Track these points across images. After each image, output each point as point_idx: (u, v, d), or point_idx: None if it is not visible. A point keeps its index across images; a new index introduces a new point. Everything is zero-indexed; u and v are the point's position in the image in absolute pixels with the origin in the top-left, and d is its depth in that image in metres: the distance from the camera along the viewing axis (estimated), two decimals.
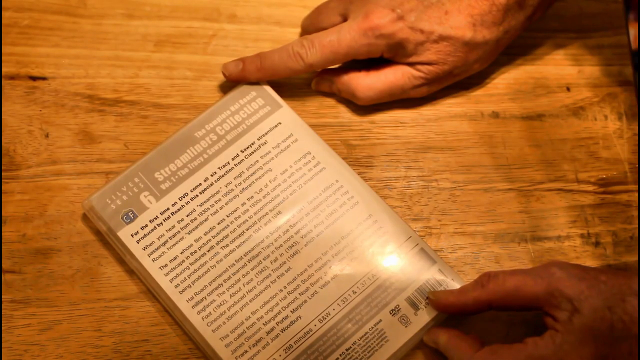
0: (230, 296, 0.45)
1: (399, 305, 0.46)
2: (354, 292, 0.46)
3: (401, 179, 0.51)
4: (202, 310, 0.45)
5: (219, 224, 0.47)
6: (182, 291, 0.45)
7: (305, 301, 0.45)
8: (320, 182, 0.48)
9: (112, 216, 0.47)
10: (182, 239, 0.46)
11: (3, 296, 0.46)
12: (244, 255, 0.46)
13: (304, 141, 0.49)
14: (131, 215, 0.47)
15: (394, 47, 0.49)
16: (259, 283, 0.46)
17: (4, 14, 0.53)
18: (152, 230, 0.46)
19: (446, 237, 0.50)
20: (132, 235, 0.46)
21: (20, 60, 0.52)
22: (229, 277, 0.46)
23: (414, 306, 0.46)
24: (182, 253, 0.46)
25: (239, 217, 0.47)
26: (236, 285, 0.45)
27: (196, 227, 0.47)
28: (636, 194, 0.51)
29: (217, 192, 0.48)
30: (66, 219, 0.48)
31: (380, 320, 0.45)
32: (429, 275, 0.46)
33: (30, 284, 0.46)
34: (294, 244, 0.47)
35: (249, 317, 0.45)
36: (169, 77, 0.53)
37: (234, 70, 0.50)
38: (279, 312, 0.45)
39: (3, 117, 0.51)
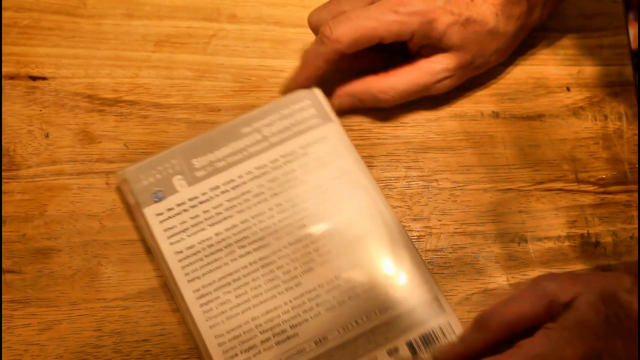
0: (235, 297, 0.45)
1: (398, 347, 0.44)
2: (357, 323, 0.45)
3: (401, 179, 0.51)
4: (204, 304, 0.45)
5: (242, 223, 0.46)
6: (191, 281, 0.45)
7: (307, 320, 0.45)
8: (351, 206, 0.47)
9: (142, 192, 0.47)
10: (203, 229, 0.46)
11: (3, 296, 0.46)
12: (259, 259, 0.46)
13: (345, 160, 0.48)
14: (160, 195, 0.47)
15: (424, 27, 0.48)
16: (266, 291, 0.45)
17: (4, 14, 0.53)
18: (177, 214, 0.46)
19: (446, 237, 0.49)
20: (156, 215, 0.46)
21: (20, 60, 0.52)
22: (239, 278, 0.45)
23: (413, 351, 0.44)
24: (199, 243, 0.46)
25: (263, 221, 0.46)
26: (243, 288, 0.45)
27: (219, 222, 0.46)
28: (636, 194, 0.51)
29: (248, 192, 0.47)
30: (66, 219, 0.48)
31: (376, 358, 0.44)
32: (435, 324, 0.45)
33: (30, 284, 0.46)
34: (309, 261, 0.46)
35: (248, 322, 0.44)
36: (169, 77, 0.53)
37: (289, 83, 0.51)
38: (278, 325, 0.44)
39: (3, 117, 0.51)
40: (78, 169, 0.50)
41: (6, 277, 0.47)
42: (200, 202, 0.47)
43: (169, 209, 0.47)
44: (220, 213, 0.47)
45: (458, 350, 0.43)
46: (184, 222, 0.46)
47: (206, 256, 0.46)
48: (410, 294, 0.45)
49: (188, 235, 0.46)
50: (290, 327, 0.44)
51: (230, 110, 0.52)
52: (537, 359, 0.40)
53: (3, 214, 0.48)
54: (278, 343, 0.44)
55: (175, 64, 0.53)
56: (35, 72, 0.52)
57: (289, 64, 0.54)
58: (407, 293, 0.45)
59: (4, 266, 0.47)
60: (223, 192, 0.47)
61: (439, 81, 0.50)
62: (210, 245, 0.46)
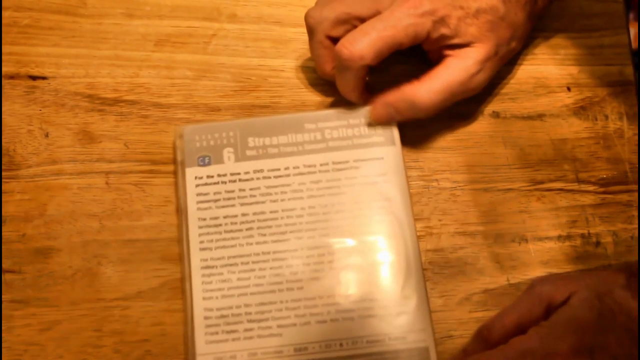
0: (237, 279, 0.45)
1: None
2: (340, 345, 0.44)
3: None
4: (207, 275, 0.45)
5: (271, 212, 0.47)
6: (203, 249, 0.46)
7: (295, 324, 0.45)
8: (380, 233, 0.47)
9: (191, 152, 0.48)
10: (232, 205, 0.47)
11: (3, 296, 0.46)
12: (273, 252, 0.46)
13: (391, 186, 0.48)
14: (206, 161, 0.48)
15: (438, 26, 0.48)
16: (268, 283, 0.45)
17: (4, 13, 0.53)
18: (214, 184, 0.47)
19: (446, 237, 0.49)
20: (196, 178, 0.47)
21: (20, 59, 0.52)
22: (247, 263, 0.46)
23: None
24: (224, 217, 0.47)
25: (291, 217, 0.47)
26: (248, 273, 0.45)
27: (250, 204, 0.47)
28: (636, 194, 0.51)
29: (288, 185, 0.48)
30: (66, 219, 0.48)
31: None
32: None
33: (30, 284, 0.46)
34: (319, 270, 0.46)
35: (240, 306, 0.45)
36: (169, 77, 0.53)
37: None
38: (266, 319, 0.45)
39: (3, 116, 0.51)
40: (78, 168, 0.50)
41: (6, 277, 0.47)
42: (240, 180, 0.47)
43: (209, 176, 0.47)
44: (254, 196, 0.47)
45: None
46: (218, 192, 0.47)
47: (226, 231, 0.46)
48: (404, 336, 0.45)
49: (217, 207, 0.47)
50: (277, 326, 0.45)
51: (230, 110, 0.52)
52: (527, 354, 0.40)
53: (3, 214, 0.48)
54: (260, 336, 0.44)
55: (175, 64, 0.53)
56: (35, 71, 0.52)
57: (289, 64, 0.54)
58: (401, 334, 0.45)
59: (4, 266, 0.47)
60: (265, 178, 0.48)
61: (472, 75, 0.49)
62: (234, 223, 0.47)
